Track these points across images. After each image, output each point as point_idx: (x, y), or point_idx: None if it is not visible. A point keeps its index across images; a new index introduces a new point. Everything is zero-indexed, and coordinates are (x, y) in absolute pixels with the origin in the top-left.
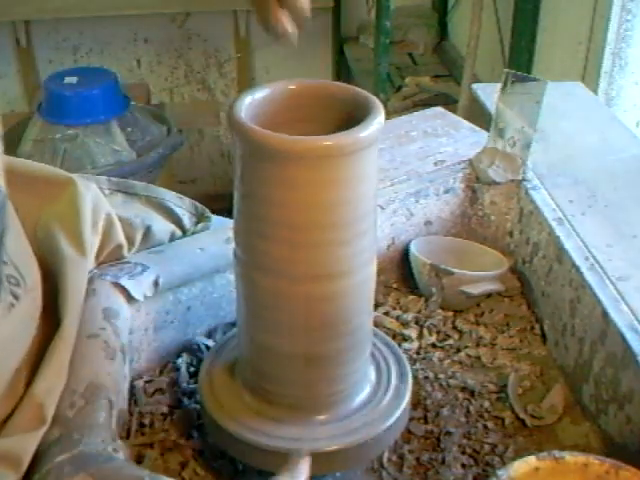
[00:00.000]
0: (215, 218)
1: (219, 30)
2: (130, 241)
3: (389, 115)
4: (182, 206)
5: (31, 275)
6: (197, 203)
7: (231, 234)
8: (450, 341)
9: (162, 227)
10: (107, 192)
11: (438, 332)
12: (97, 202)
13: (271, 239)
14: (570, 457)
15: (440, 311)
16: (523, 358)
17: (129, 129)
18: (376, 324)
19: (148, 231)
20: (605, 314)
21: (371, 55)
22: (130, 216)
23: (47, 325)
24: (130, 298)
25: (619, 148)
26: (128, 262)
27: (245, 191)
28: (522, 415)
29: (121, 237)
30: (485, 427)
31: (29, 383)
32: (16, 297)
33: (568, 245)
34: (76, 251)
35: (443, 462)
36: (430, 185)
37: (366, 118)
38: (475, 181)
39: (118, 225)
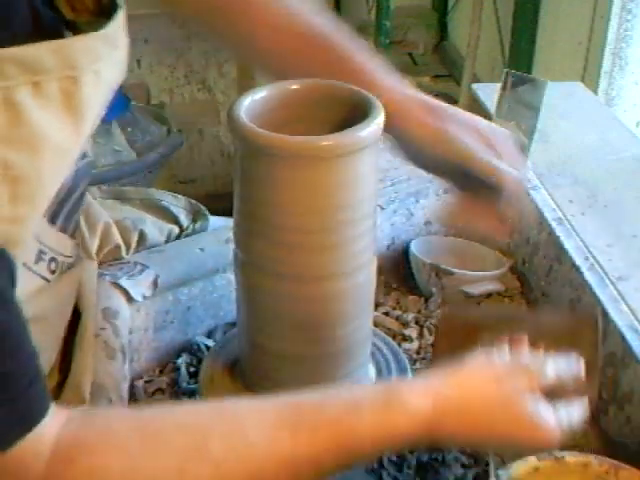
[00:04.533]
0: (214, 219)
1: None
2: (127, 243)
3: None
4: (178, 204)
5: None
6: (192, 200)
7: (231, 234)
8: None
9: (157, 228)
10: (99, 199)
11: None
12: (94, 212)
13: (270, 240)
14: (570, 457)
15: (440, 311)
16: None
17: (129, 129)
18: (376, 324)
19: (141, 234)
20: (605, 314)
21: None
22: (124, 220)
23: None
24: (130, 298)
25: (619, 148)
26: (127, 262)
27: (244, 191)
28: None
29: (119, 239)
30: None
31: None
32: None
33: (568, 245)
34: (84, 254)
35: (443, 462)
36: (430, 185)
37: (366, 118)
38: None
39: (115, 229)
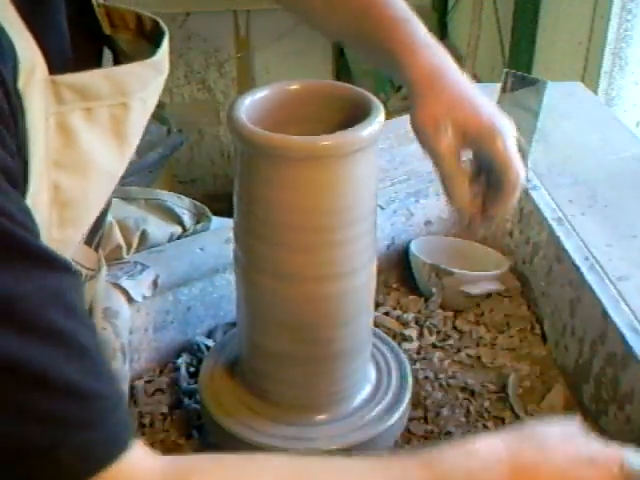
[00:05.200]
0: (215, 219)
1: (219, 30)
2: (128, 243)
3: (389, 115)
4: (182, 205)
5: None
6: (197, 202)
7: (231, 234)
8: (450, 341)
9: (159, 229)
10: None
11: (438, 332)
12: None
13: (270, 239)
14: None
15: (440, 311)
16: (523, 358)
17: None
18: (376, 324)
19: (143, 234)
20: (605, 314)
21: None
22: (126, 219)
23: None
24: (130, 298)
25: (619, 148)
26: (127, 261)
27: (244, 191)
28: (522, 415)
29: (120, 239)
30: (485, 427)
31: None
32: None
33: (568, 245)
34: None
35: None
36: (430, 185)
37: (366, 118)
38: None
39: (117, 229)
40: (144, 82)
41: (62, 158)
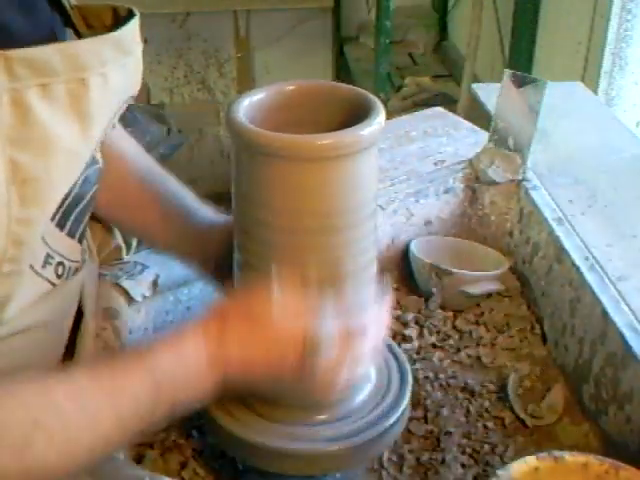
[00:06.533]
0: None
1: (219, 30)
2: (127, 243)
3: (389, 115)
4: None
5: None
6: None
7: None
8: (450, 341)
9: None
10: None
11: (438, 332)
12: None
13: (268, 239)
14: (570, 457)
15: (440, 311)
16: (523, 358)
17: (129, 129)
18: None
19: None
20: (605, 314)
21: (371, 55)
22: None
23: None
24: (130, 298)
25: (619, 148)
26: (127, 262)
27: (242, 190)
28: (522, 415)
29: (120, 240)
30: (485, 427)
31: None
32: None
33: (568, 245)
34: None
35: (443, 462)
36: (430, 185)
37: (366, 118)
38: (475, 181)
39: (116, 230)
40: (102, 58)
41: (18, 135)
